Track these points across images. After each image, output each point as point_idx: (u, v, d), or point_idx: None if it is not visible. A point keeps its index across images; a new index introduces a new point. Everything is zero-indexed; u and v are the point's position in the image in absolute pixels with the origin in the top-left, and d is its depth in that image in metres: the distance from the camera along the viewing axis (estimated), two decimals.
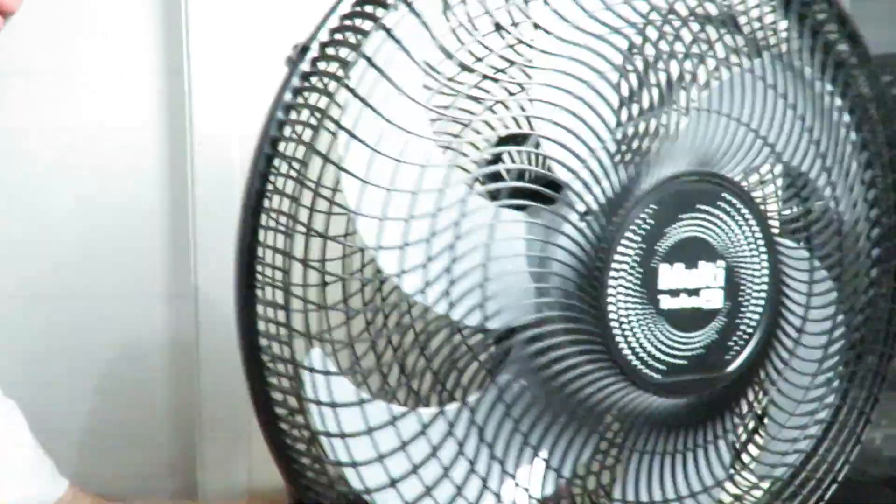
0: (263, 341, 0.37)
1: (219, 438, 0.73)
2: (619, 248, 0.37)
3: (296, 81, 0.37)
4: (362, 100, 0.34)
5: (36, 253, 0.76)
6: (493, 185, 0.37)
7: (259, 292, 0.37)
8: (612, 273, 0.37)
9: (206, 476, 0.74)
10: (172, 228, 0.75)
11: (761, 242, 0.41)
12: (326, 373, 0.36)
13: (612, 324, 0.37)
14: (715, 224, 0.40)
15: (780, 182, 0.45)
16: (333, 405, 0.36)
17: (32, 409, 0.64)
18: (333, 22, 0.37)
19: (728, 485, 0.47)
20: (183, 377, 0.76)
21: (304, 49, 0.37)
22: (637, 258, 0.38)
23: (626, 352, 0.38)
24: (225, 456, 0.73)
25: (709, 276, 0.40)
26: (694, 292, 0.40)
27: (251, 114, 0.62)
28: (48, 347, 0.77)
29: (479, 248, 0.35)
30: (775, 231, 0.43)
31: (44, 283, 0.77)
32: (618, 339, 0.38)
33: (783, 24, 0.44)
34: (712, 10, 0.41)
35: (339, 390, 0.36)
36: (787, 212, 0.45)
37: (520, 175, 0.44)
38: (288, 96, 0.37)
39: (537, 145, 0.38)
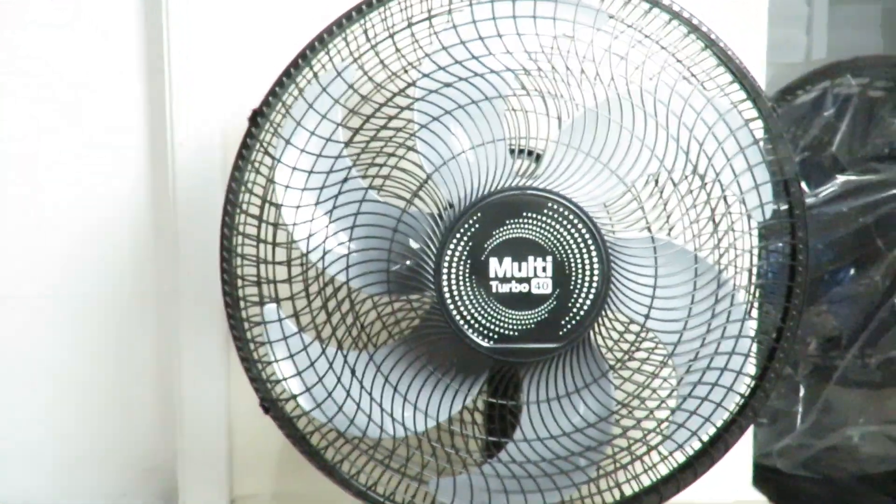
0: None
1: (200, 437, 0.80)
2: (450, 246, 0.50)
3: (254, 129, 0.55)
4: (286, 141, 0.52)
5: (20, 253, 0.80)
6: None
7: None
8: (444, 264, 0.51)
9: (187, 480, 0.82)
10: (156, 226, 0.79)
11: (591, 243, 0.51)
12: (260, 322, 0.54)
13: (448, 300, 0.51)
14: (541, 227, 0.51)
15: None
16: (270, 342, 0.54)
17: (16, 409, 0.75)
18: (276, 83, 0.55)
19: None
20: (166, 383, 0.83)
21: (255, 114, 0.54)
22: (466, 252, 0.51)
23: (461, 321, 0.51)
24: (205, 459, 0.80)
25: (537, 268, 0.51)
26: (524, 280, 0.51)
27: (231, 113, 0.70)
28: (32, 346, 0.82)
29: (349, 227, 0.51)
30: (613, 233, 0.53)
31: (27, 283, 0.80)
32: (452, 311, 0.51)
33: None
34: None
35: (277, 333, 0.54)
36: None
37: None
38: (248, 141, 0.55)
39: None
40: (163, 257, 0.80)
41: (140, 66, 0.78)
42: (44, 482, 0.89)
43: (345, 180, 0.51)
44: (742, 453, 0.92)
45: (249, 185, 0.54)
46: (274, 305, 0.53)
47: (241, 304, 0.54)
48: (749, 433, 0.93)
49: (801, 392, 1.02)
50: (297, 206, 0.51)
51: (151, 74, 0.78)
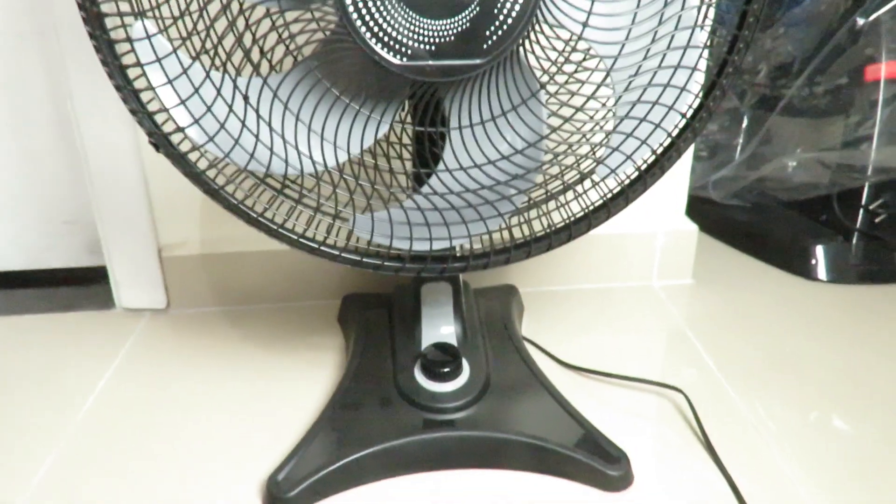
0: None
1: (113, 185, 0.77)
2: None
3: None
4: None
5: None
6: None
7: None
8: None
9: (108, 231, 0.80)
10: None
11: None
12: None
13: (350, 7, 0.42)
14: None
15: None
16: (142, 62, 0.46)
17: None
18: None
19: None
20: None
21: None
22: None
23: (367, 34, 0.43)
24: (123, 208, 0.77)
25: None
26: None
27: None
28: None
29: None
30: None
31: None
32: (356, 21, 0.43)
33: None
34: None
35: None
36: None
37: None
38: None
39: None
40: None
41: None
42: None
43: None
44: (678, 184, 0.91)
45: None
46: (141, 21, 0.44)
47: (102, 20, 0.45)
48: (687, 164, 0.92)
49: (744, 123, 1.00)
50: None
51: None
